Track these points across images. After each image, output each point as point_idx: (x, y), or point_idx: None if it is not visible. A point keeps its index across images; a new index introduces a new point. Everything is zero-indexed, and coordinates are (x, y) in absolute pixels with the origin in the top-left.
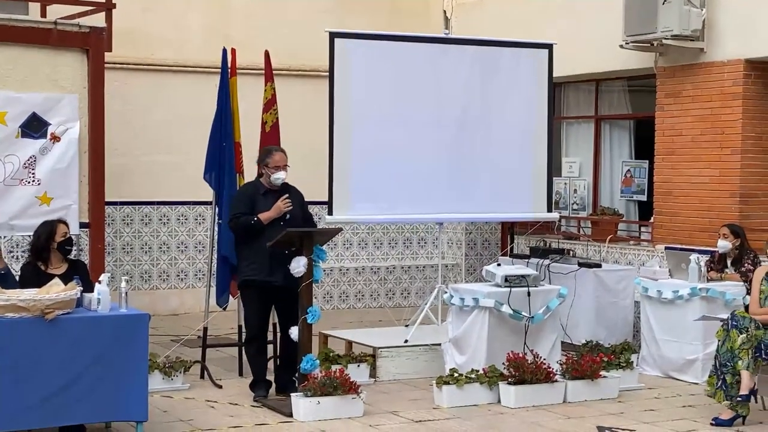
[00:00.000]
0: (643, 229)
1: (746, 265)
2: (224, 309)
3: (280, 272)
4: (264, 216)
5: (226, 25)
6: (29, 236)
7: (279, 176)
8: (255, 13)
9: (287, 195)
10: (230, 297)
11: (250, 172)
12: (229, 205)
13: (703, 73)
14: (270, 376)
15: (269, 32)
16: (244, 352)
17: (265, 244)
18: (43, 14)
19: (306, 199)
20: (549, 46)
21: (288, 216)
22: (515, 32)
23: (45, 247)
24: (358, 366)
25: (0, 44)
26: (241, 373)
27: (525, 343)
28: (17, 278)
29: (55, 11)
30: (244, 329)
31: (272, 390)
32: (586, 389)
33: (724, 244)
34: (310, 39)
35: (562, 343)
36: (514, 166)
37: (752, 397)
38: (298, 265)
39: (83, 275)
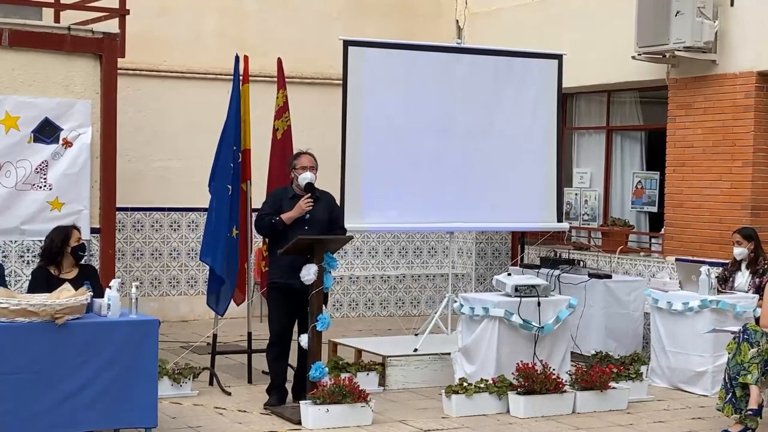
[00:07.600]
0: (653, 240)
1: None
2: (221, 316)
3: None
4: (286, 216)
5: (240, 32)
6: (40, 241)
7: (305, 177)
8: (268, 20)
9: (309, 194)
10: (231, 304)
11: (259, 178)
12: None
13: (715, 85)
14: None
15: (282, 38)
16: (265, 357)
17: None
18: (57, 19)
19: None
20: (559, 57)
21: (308, 216)
22: (528, 42)
23: (59, 251)
24: (368, 374)
25: (14, 49)
26: (250, 381)
27: (534, 353)
28: (28, 282)
29: (69, 17)
30: (253, 336)
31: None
32: (595, 400)
33: (740, 251)
34: (323, 46)
35: (572, 353)
36: (525, 175)
37: (761, 412)
38: (308, 273)
39: (93, 280)
